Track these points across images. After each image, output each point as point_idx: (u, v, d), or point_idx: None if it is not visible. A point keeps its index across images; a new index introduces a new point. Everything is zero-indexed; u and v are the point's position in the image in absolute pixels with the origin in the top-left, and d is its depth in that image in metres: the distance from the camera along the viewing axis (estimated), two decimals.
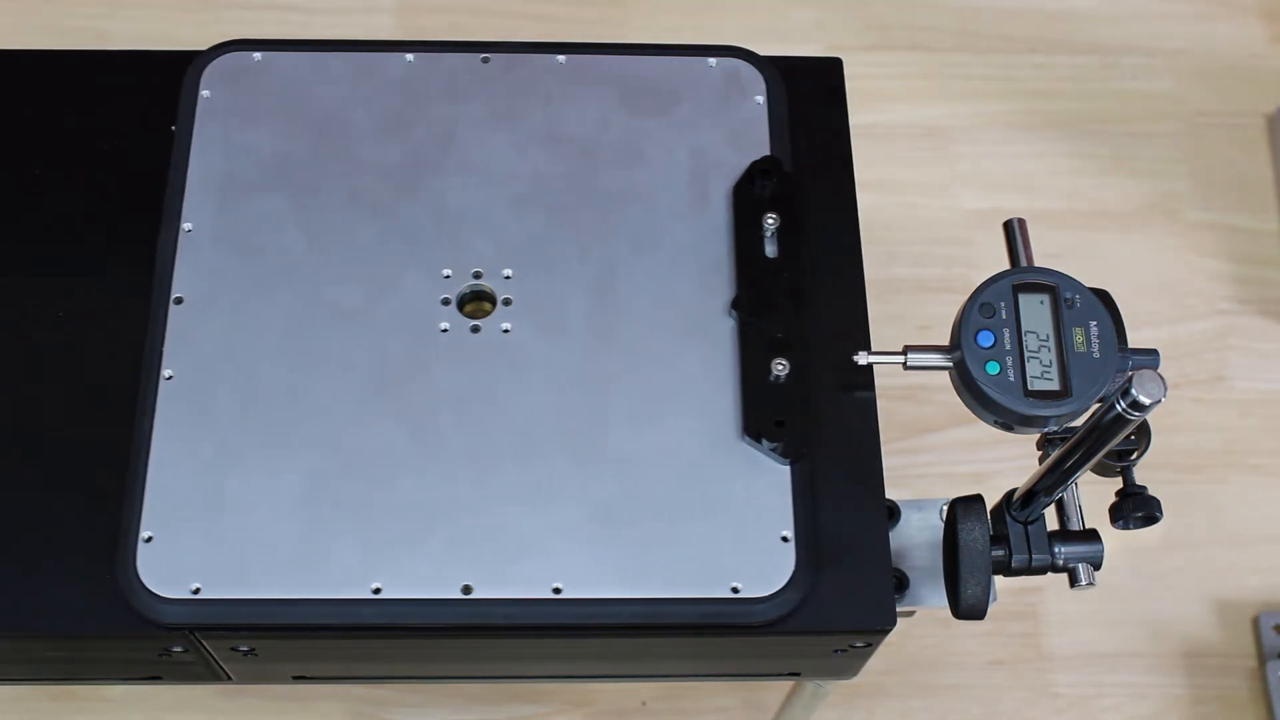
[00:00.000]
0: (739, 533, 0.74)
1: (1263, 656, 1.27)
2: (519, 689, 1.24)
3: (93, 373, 0.78)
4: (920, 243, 1.45)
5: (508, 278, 0.80)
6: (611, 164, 0.84)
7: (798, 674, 0.86)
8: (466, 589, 0.72)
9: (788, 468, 0.75)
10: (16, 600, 0.73)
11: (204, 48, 0.87)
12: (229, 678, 0.80)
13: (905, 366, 0.74)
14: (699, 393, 0.77)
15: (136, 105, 0.86)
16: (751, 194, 0.83)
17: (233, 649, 0.75)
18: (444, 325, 0.79)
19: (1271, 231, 1.48)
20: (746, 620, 0.73)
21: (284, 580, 0.72)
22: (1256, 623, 1.28)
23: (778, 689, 1.11)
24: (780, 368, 0.77)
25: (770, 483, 0.75)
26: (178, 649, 0.75)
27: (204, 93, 0.85)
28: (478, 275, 0.80)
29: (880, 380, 0.80)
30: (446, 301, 0.80)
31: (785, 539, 0.74)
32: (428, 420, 0.76)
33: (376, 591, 0.72)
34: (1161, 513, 0.75)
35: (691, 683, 1.24)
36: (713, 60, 0.88)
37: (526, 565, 0.73)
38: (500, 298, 0.80)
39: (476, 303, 0.81)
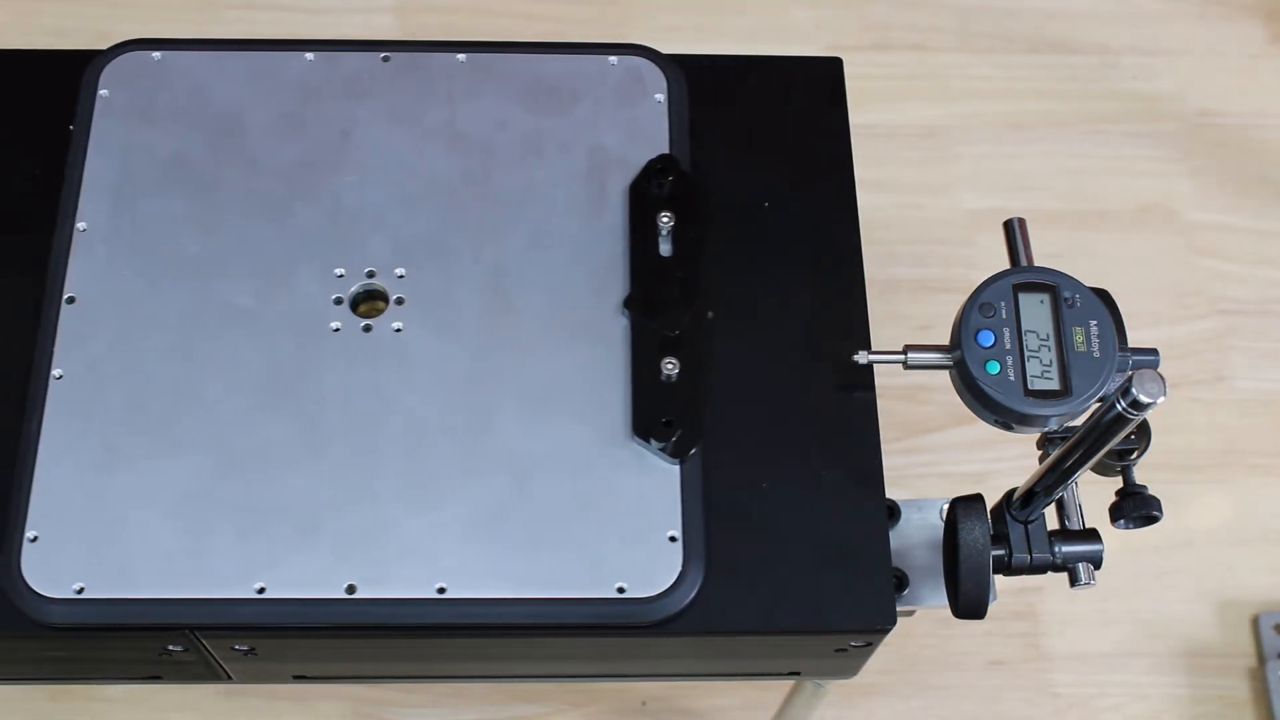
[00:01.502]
0: (627, 532, 0.73)
1: (1263, 656, 1.27)
2: (519, 689, 1.24)
3: None
4: (920, 243, 1.45)
5: (401, 277, 0.80)
6: (509, 163, 0.84)
7: (798, 673, 0.86)
8: (350, 589, 0.72)
9: (677, 467, 0.75)
10: None
11: None
12: (229, 678, 0.80)
13: (905, 366, 0.74)
14: (590, 392, 0.77)
15: (35, 104, 0.85)
16: (648, 193, 0.82)
17: (233, 648, 0.75)
18: (335, 324, 0.78)
19: (1272, 231, 1.47)
20: (631, 620, 0.72)
21: (168, 580, 0.72)
22: (1256, 623, 1.28)
23: (778, 689, 1.11)
24: (670, 367, 0.77)
25: (659, 482, 0.75)
26: (177, 648, 0.75)
27: (102, 92, 0.85)
28: (371, 274, 0.80)
29: (880, 380, 0.80)
30: (339, 300, 0.79)
31: (673, 539, 0.74)
32: (316, 420, 0.76)
33: (260, 591, 0.71)
34: (1161, 513, 0.75)
35: (691, 682, 1.24)
36: (614, 58, 0.87)
37: (411, 565, 0.72)
38: (393, 297, 0.79)
39: (370, 302, 0.80)
